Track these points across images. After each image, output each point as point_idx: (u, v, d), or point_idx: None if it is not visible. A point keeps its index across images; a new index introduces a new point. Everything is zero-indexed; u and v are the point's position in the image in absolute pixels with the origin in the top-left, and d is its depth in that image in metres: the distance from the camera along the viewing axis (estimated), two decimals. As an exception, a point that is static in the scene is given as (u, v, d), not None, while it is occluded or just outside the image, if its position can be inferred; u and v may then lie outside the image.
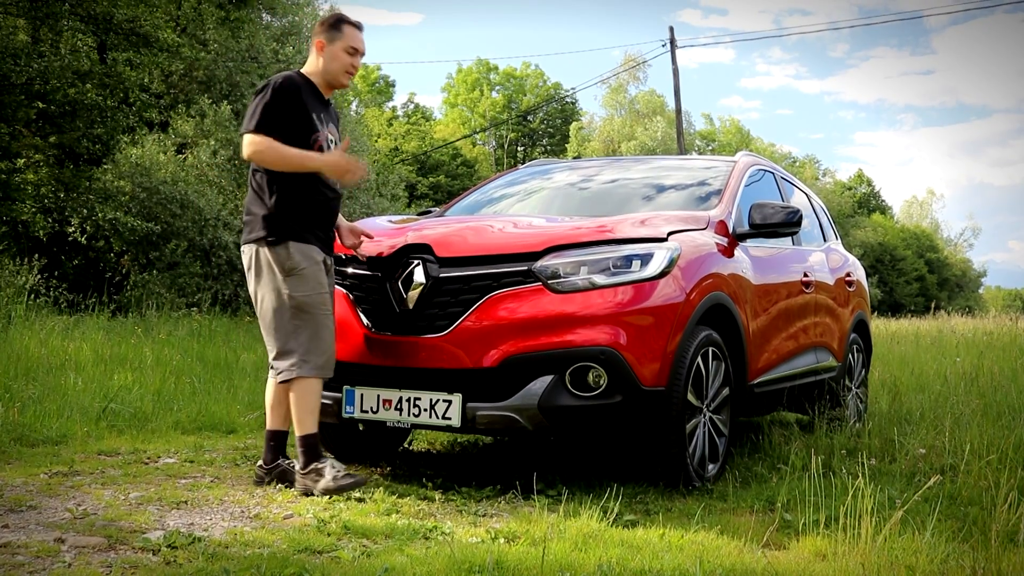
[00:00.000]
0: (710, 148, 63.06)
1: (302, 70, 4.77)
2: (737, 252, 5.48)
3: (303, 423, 4.59)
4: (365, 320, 4.80)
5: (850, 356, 7.25)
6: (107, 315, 17.36)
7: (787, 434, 6.02)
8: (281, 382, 4.62)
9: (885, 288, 72.31)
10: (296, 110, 4.60)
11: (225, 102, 22.56)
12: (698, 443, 4.96)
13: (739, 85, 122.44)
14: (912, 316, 59.20)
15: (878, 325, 33.11)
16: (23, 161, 18.33)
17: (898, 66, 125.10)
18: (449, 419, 4.56)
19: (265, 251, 4.57)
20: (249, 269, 4.65)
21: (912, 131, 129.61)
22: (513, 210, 6.41)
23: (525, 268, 4.61)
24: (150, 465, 5.40)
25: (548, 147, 61.42)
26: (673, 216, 5.37)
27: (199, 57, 20.84)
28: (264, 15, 27.46)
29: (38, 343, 9.67)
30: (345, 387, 4.78)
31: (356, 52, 4.76)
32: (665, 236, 4.88)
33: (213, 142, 22.01)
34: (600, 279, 4.60)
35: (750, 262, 5.61)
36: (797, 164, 75.01)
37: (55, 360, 9.06)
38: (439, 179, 39.02)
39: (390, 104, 54.19)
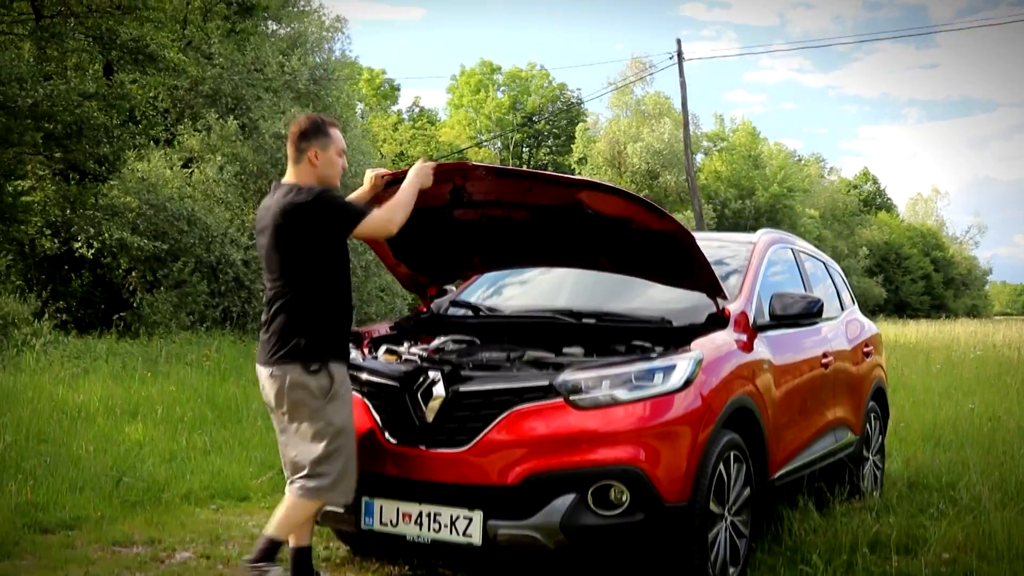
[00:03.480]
0: (718, 149, 62.83)
1: (288, 181, 4.65)
2: (757, 344, 5.42)
3: (281, 529, 4.50)
4: (384, 430, 4.74)
5: (867, 425, 7.18)
6: (115, 337, 17.39)
7: (804, 519, 5.94)
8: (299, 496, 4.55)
9: (891, 287, 72.22)
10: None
11: (231, 116, 22.50)
12: (719, 549, 4.91)
13: (743, 79, 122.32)
14: (918, 318, 59.27)
15: (885, 332, 33.10)
16: (29, 183, 18.27)
17: (903, 60, 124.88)
18: (470, 536, 4.51)
19: (307, 377, 4.46)
20: (281, 392, 4.52)
21: (917, 125, 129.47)
22: (520, 302, 6.36)
23: (546, 384, 4.55)
24: (166, 564, 5.35)
25: (553, 148, 61.31)
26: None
27: (205, 75, 20.78)
28: (270, 24, 27.42)
29: (47, 397, 9.61)
30: (364, 498, 4.73)
31: (344, 152, 4.73)
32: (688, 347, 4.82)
33: (220, 157, 21.95)
34: (622, 394, 4.54)
35: (769, 350, 5.54)
36: (803, 162, 74.85)
37: (64, 416, 9.03)
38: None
39: (395, 108, 54.21)
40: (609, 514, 4.45)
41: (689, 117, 33.90)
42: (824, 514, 6.17)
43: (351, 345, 5.43)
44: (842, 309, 7.37)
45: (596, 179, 5.22)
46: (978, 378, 16.05)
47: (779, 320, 5.59)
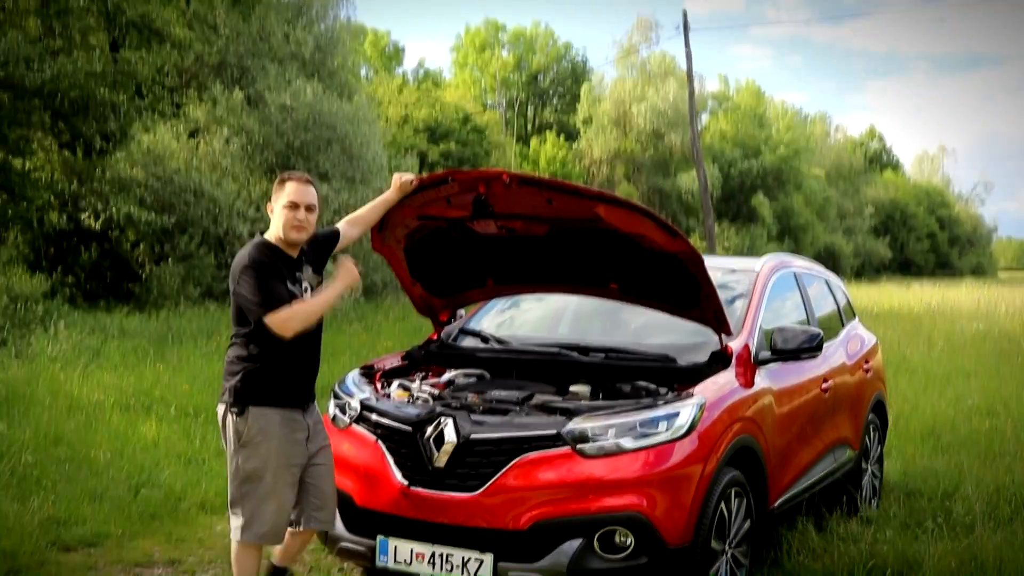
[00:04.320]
0: (723, 108, 62.60)
1: (266, 237, 4.86)
2: (757, 378, 5.57)
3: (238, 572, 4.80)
4: (397, 472, 4.91)
5: (866, 438, 7.34)
6: (124, 312, 17.58)
7: (803, 542, 6.12)
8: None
9: (896, 245, 72.15)
10: (277, 278, 4.72)
11: (237, 88, 22.53)
12: (719, 584, 5.10)
13: (749, 33, 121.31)
14: (922, 278, 59.33)
15: (887, 297, 33.11)
16: (38, 160, 18.36)
17: (911, 13, 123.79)
18: (480, 577, 4.70)
19: (230, 416, 4.74)
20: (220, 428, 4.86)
21: (924, 79, 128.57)
22: (527, 331, 6.52)
23: (554, 432, 4.72)
24: (187, 588, 5.56)
25: (558, 107, 61.11)
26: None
27: (210, 47, 20.77)
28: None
29: (63, 394, 9.79)
30: (379, 537, 4.91)
31: (296, 206, 4.77)
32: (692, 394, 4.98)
33: (226, 129, 22.02)
34: (627, 443, 4.70)
35: (770, 381, 5.69)
36: (808, 120, 74.57)
37: (79, 413, 9.23)
38: (450, 146, 38.87)
39: (400, 70, 54.02)
40: (614, 558, 4.62)
41: (694, 77, 33.86)
42: (823, 532, 6.35)
43: (363, 380, 5.62)
44: (843, 325, 7.50)
45: (614, 194, 5.31)
46: (979, 357, 16.23)
47: (780, 354, 5.73)
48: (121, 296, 19.55)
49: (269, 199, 4.92)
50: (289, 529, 4.85)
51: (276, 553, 5.04)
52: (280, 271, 4.73)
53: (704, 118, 59.31)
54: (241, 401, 4.70)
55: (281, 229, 4.78)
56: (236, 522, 4.77)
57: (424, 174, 5.38)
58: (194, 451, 8.48)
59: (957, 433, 9.75)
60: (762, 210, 53.92)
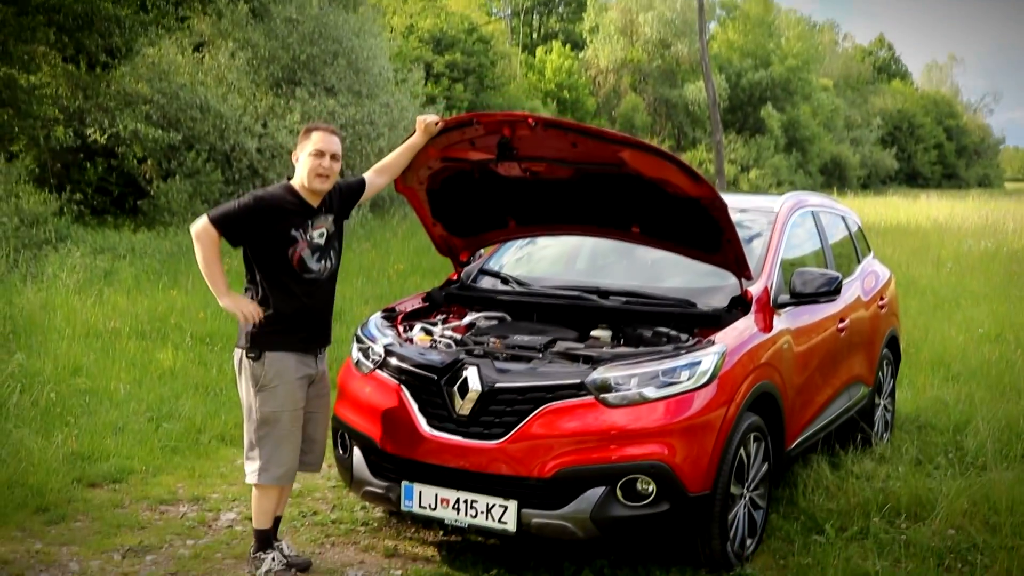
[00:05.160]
0: (730, 17, 61.71)
1: (291, 182, 4.95)
2: (776, 321, 5.59)
3: (258, 520, 5.00)
4: (422, 418, 4.96)
5: (880, 373, 7.39)
6: (131, 228, 17.58)
7: (817, 481, 6.20)
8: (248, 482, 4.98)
9: (903, 156, 71.77)
10: (270, 225, 4.79)
11: (242, 0, 22.17)
12: (738, 526, 5.18)
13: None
14: (929, 189, 59.08)
15: (895, 211, 32.94)
16: (43, 76, 18.17)
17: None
18: (505, 524, 4.77)
19: (246, 361, 4.86)
20: (236, 370, 4.99)
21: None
22: (546, 270, 6.55)
23: (578, 381, 4.76)
24: (214, 529, 5.65)
25: (564, 16, 60.25)
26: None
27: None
28: None
29: (80, 322, 9.85)
30: (404, 482, 4.98)
31: (322, 153, 4.86)
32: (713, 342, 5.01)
33: (231, 43, 21.76)
34: (650, 392, 4.73)
35: (787, 322, 5.72)
36: (817, 28, 73.59)
37: (96, 341, 9.29)
38: (455, 57, 38.39)
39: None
40: (636, 505, 4.70)
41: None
42: (836, 470, 6.44)
43: (385, 324, 5.65)
44: (858, 261, 7.50)
45: (639, 138, 5.29)
46: (987, 278, 16.24)
47: (799, 298, 5.74)
48: (127, 212, 19.53)
49: (291, 151, 5.01)
50: None
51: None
52: (285, 213, 4.82)
53: (711, 27, 58.50)
54: (257, 347, 4.81)
55: (305, 177, 4.87)
56: (252, 466, 4.90)
57: (447, 117, 5.35)
58: (211, 380, 8.57)
59: (967, 363, 9.81)
60: (770, 122, 53.50)
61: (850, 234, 7.54)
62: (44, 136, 18.04)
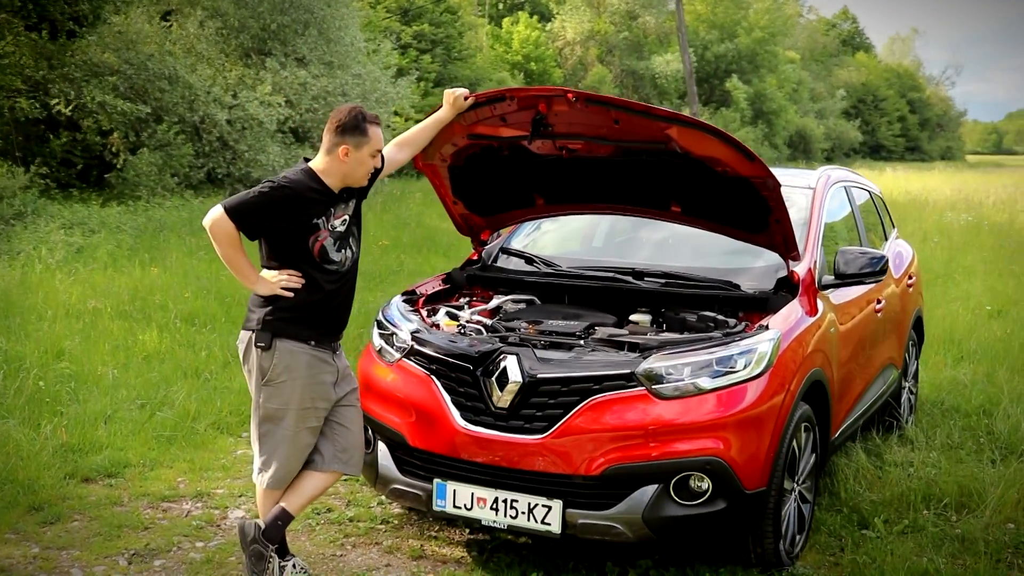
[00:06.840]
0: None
1: (313, 166, 4.47)
2: (820, 304, 5.27)
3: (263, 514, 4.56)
4: (456, 412, 4.59)
5: (907, 354, 7.11)
6: (99, 201, 16.98)
7: (856, 471, 5.91)
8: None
9: (867, 129, 71.91)
10: (294, 216, 4.36)
11: (209, -34, 21.55)
12: (789, 522, 4.88)
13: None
14: (893, 162, 59.23)
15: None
16: (7, 43, 17.49)
17: None
18: (548, 525, 4.42)
19: (255, 350, 4.42)
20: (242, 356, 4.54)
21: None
22: (570, 248, 6.16)
23: (628, 372, 4.41)
24: (223, 528, 5.26)
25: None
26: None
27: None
28: None
29: (60, 303, 9.39)
30: (436, 481, 4.63)
31: (379, 153, 4.52)
32: (767, 326, 4.68)
33: (200, 11, 21.14)
34: (704, 382, 4.40)
35: (832, 306, 5.41)
36: (781, 0, 73.35)
37: (78, 322, 8.85)
38: (423, 27, 37.79)
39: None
40: (691, 503, 4.38)
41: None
42: (871, 457, 6.16)
43: (407, 307, 5.27)
44: (886, 238, 7.21)
45: (689, 115, 4.93)
46: (976, 251, 16.08)
47: (843, 279, 5.43)
48: (93, 186, 18.91)
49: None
50: (309, 470, 4.55)
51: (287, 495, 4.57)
52: (308, 202, 4.38)
53: (679, -2, 58.03)
54: (269, 332, 4.38)
55: (359, 178, 4.49)
56: (256, 461, 4.53)
57: (476, 92, 4.94)
58: (201, 363, 8.13)
59: (978, 340, 9.56)
60: (736, 94, 53.26)
61: (877, 210, 7.24)
62: (9, 108, 17.38)
